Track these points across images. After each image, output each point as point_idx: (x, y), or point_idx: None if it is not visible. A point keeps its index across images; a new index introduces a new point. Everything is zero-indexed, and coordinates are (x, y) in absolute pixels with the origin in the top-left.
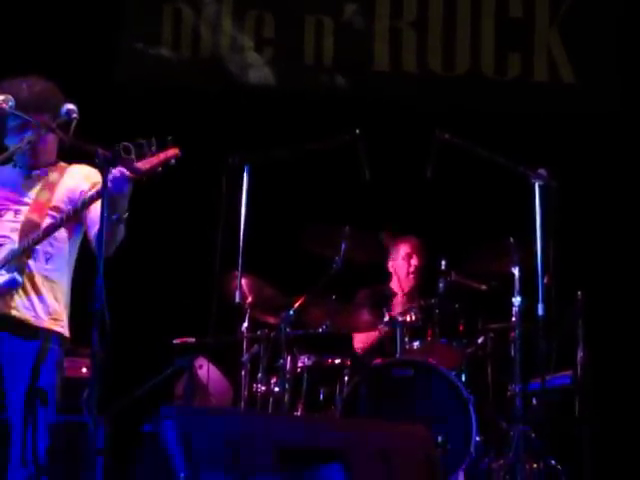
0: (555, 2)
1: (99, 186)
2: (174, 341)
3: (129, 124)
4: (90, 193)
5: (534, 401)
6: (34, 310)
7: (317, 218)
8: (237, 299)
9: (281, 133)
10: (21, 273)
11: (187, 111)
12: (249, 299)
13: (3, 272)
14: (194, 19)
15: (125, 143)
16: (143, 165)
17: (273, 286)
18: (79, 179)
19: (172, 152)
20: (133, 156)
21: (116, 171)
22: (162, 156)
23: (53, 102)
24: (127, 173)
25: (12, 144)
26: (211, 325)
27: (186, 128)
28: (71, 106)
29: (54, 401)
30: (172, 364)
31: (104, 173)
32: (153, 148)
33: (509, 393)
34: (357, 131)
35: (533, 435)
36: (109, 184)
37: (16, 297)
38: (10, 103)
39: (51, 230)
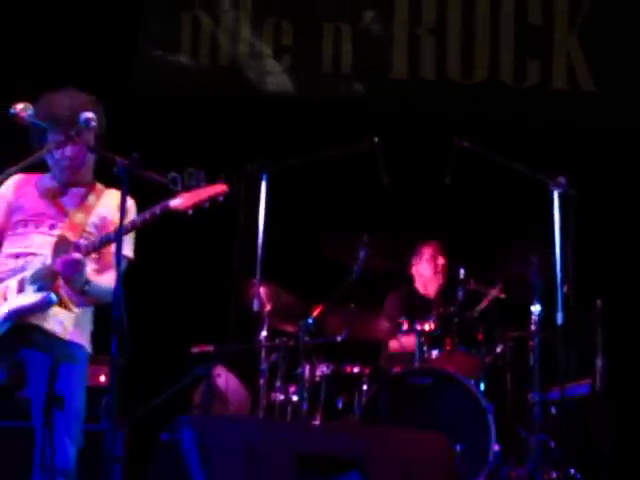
0: (574, 8)
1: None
2: (192, 349)
3: (147, 131)
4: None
5: (553, 410)
6: (61, 322)
7: (335, 225)
8: (255, 307)
9: (299, 140)
10: (53, 289)
11: (205, 118)
12: (267, 307)
13: (36, 288)
14: (212, 26)
15: (173, 174)
16: (188, 199)
17: (291, 294)
18: (114, 209)
19: (220, 188)
20: (179, 187)
21: (70, 255)
22: (210, 191)
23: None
24: (78, 257)
25: (53, 159)
26: (229, 333)
27: (204, 135)
28: (90, 114)
29: (78, 410)
30: (190, 372)
31: (123, 182)
32: (202, 182)
33: (528, 402)
34: (375, 138)
35: (552, 444)
36: (60, 268)
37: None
38: (29, 111)
39: (89, 252)
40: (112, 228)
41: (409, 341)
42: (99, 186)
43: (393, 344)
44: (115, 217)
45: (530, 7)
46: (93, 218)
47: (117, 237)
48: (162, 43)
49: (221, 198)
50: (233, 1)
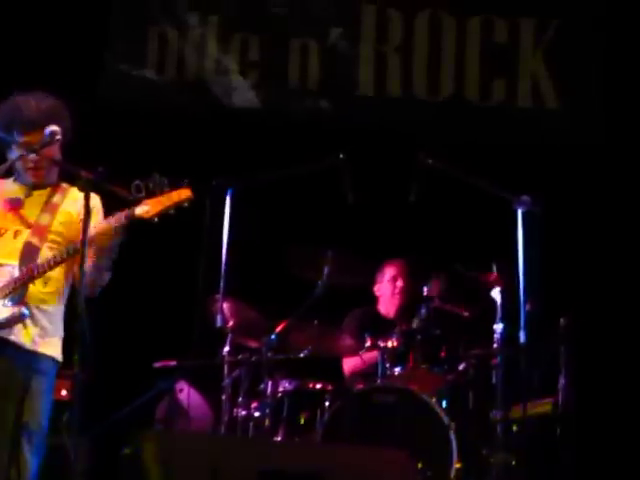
0: (540, 28)
1: (99, 219)
2: (155, 364)
3: (113, 145)
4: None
5: (515, 428)
6: (29, 334)
7: (301, 242)
8: (219, 322)
9: (265, 156)
10: (24, 301)
11: (171, 133)
12: (231, 323)
13: (7, 303)
14: (179, 42)
15: (137, 182)
16: (154, 206)
17: (255, 310)
18: (79, 208)
19: (185, 194)
20: (143, 194)
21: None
22: (175, 197)
23: (60, 119)
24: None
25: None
26: (193, 348)
27: (170, 150)
28: (55, 128)
29: (42, 423)
30: (153, 387)
31: (86, 196)
32: (166, 188)
33: (490, 420)
34: (341, 155)
35: (514, 462)
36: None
37: None
38: None
39: (58, 263)
40: (78, 227)
41: (370, 356)
42: (64, 185)
43: (348, 364)
44: (80, 216)
45: (496, 26)
46: (59, 217)
47: (81, 246)
48: (128, 58)
49: (186, 204)
50: (200, 17)
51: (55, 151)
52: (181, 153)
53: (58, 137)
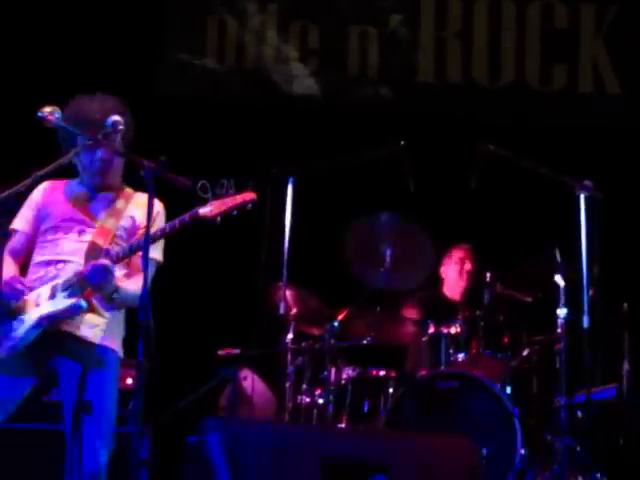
0: (601, 12)
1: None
2: (218, 352)
3: (174, 136)
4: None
5: (579, 414)
6: (92, 327)
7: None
8: (281, 310)
9: (326, 144)
10: (84, 296)
11: (232, 122)
12: (293, 311)
13: (67, 295)
14: (238, 30)
15: (203, 181)
16: (217, 207)
17: (317, 298)
18: (143, 213)
19: (249, 196)
20: (209, 195)
21: (99, 262)
22: (238, 199)
23: (121, 113)
24: (107, 264)
25: (82, 163)
26: (256, 336)
27: (231, 139)
28: (117, 117)
29: (109, 414)
30: (217, 375)
31: (149, 186)
32: (231, 190)
33: (554, 406)
34: (402, 142)
35: (578, 448)
36: (88, 274)
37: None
38: (57, 115)
39: (120, 259)
40: (141, 232)
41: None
42: (127, 190)
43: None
44: (145, 221)
45: (556, 11)
46: (123, 222)
47: (145, 243)
48: (188, 47)
49: (250, 206)
50: (259, 5)
51: (118, 143)
52: (241, 141)
53: (121, 127)
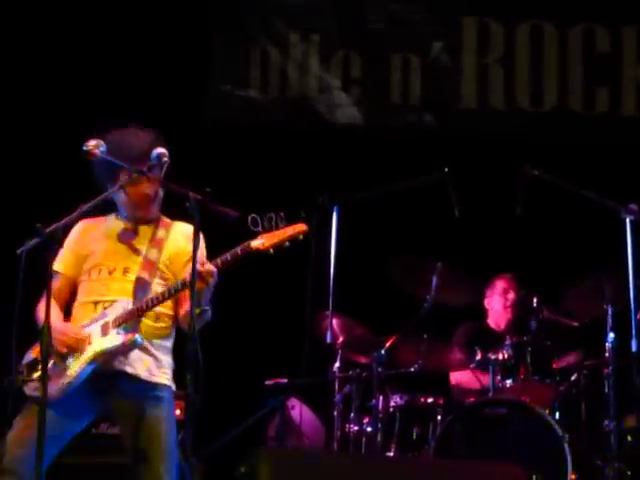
0: None
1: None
2: (266, 382)
3: (219, 167)
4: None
5: (629, 438)
6: (144, 365)
7: (407, 257)
8: (328, 339)
9: (369, 172)
10: (136, 331)
11: (275, 151)
12: (340, 339)
13: (120, 331)
14: (281, 60)
15: (254, 215)
16: (269, 239)
17: (364, 326)
18: (184, 241)
19: (300, 228)
20: (260, 228)
21: (208, 266)
22: (290, 231)
23: (161, 145)
24: (213, 269)
25: (124, 197)
26: (303, 365)
27: (275, 169)
28: (161, 150)
29: (170, 447)
30: (265, 405)
31: (195, 217)
32: (281, 222)
33: (604, 430)
34: (446, 169)
35: (629, 473)
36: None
37: (130, 354)
38: (102, 148)
39: (166, 298)
40: (185, 259)
41: (471, 378)
42: (165, 220)
43: (456, 378)
44: (187, 248)
45: (598, 35)
46: (165, 253)
47: (191, 276)
48: (232, 78)
49: (301, 237)
50: (301, 35)
51: (161, 175)
52: (286, 171)
53: (165, 159)
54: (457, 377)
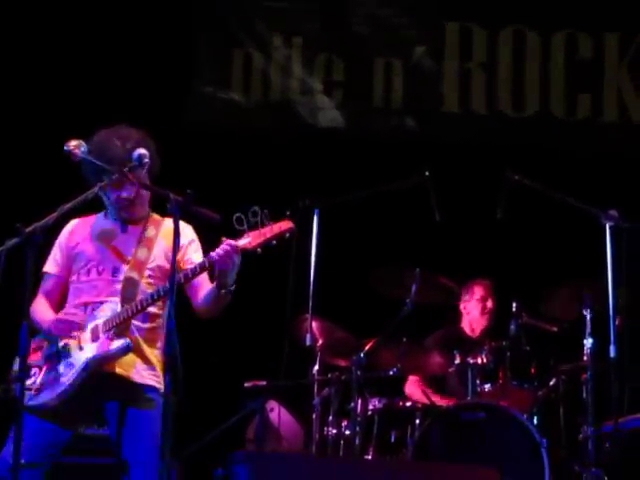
0: (624, 41)
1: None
2: (245, 384)
3: (201, 169)
4: (191, 267)
5: (607, 444)
6: (135, 367)
7: (387, 261)
8: (308, 342)
9: (351, 175)
10: (126, 335)
11: (257, 154)
12: (320, 342)
13: (112, 335)
14: (264, 62)
15: (238, 214)
16: (256, 238)
17: (344, 329)
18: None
19: (286, 225)
20: (245, 227)
21: (225, 245)
22: (276, 229)
23: (146, 146)
24: (237, 246)
25: (108, 197)
26: (282, 368)
27: (256, 171)
28: (143, 151)
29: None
30: (244, 407)
31: (175, 219)
32: (266, 221)
33: (582, 436)
34: (427, 173)
35: (606, 479)
36: (216, 257)
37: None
38: (83, 149)
39: (155, 300)
40: (179, 255)
41: (421, 397)
42: (156, 217)
43: (410, 388)
44: (180, 246)
45: (580, 41)
46: (155, 251)
47: (170, 278)
48: (215, 80)
49: (288, 235)
50: (284, 38)
51: (144, 176)
52: (267, 173)
53: (146, 160)
54: (411, 388)
